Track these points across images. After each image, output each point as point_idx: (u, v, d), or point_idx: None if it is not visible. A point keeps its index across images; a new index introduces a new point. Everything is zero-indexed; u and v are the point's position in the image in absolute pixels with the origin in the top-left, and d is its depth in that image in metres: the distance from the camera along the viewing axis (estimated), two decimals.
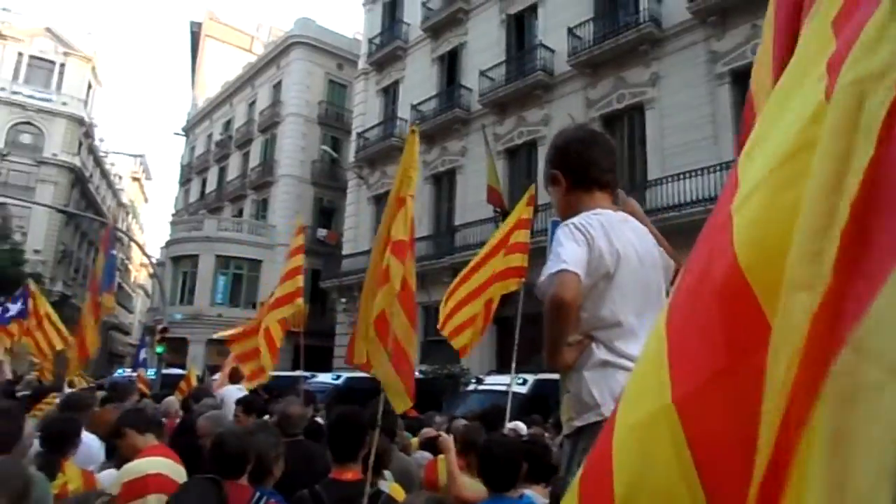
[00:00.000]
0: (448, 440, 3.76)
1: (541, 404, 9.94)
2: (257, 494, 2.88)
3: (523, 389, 12.57)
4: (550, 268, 1.81)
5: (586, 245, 1.88)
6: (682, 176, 15.73)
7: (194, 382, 10.89)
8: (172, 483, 2.52)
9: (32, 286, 10.60)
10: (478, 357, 21.06)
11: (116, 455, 3.89)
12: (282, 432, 4.14)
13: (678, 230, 15.80)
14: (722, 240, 0.78)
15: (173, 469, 2.89)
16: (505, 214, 20.29)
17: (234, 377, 8.83)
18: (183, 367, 24.41)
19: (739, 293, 0.73)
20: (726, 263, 0.76)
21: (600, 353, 1.86)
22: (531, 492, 2.99)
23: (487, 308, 6.48)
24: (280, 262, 32.67)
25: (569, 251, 1.84)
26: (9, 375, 6.51)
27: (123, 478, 2.94)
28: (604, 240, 1.91)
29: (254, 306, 32.41)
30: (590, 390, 1.83)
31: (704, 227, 0.88)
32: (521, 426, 6.96)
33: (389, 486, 3.20)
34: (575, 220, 1.97)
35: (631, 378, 1.00)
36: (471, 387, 13.96)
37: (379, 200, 27.82)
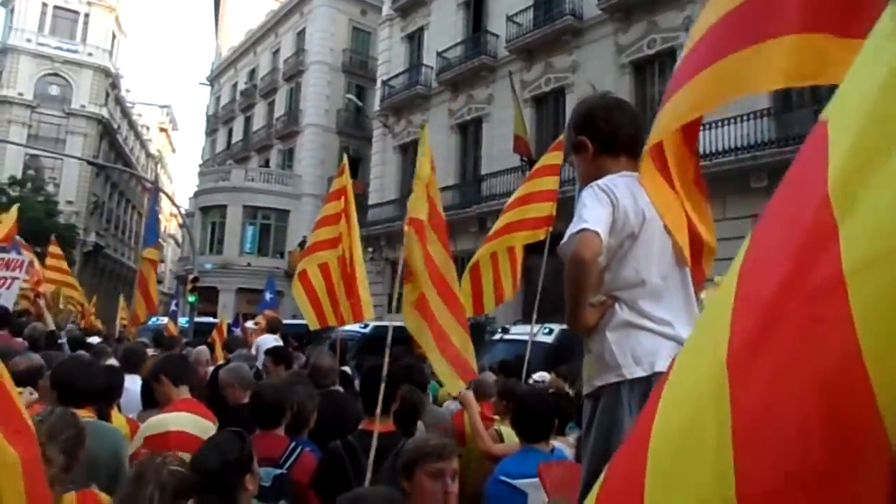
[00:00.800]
0: (468, 395, 3.80)
1: (568, 354, 9.97)
2: (293, 444, 2.97)
3: (549, 339, 12.64)
4: (572, 228, 1.79)
5: (610, 205, 1.85)
6: (716, 124, 15.36)
7: (226, 332, 11.09)
8: (196, 440, 2.56)
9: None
10: (503, 306, 21.18)
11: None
12: (313, 383, 4.25)
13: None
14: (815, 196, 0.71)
15: (199, 425, 2.92)
16: (532, 163, 20.06)
17: (273, 327, 8.98)
18: (214, 315, 24.97)
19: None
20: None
21: (623, 313, 1.84)
22: (560, 444, 3.04)
23: (513, 258, 6.40)
24: (307, 212, 33.04)
25: (591, 211, 1.81)
26: (52, 326, 6.69)
27: (146, 432, 2.98)
28: (629, 199, 1.88)
29: (282, 255, 32.86)
30: (612, 350, 1.81)
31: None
32: (546, 376, 7.02)
33: None
34: (599, 181, 1.94)
35: (689, 337, 0.94)
36: (497, 336, 14.05)
37: (405, 149, 27.69)
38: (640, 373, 1.77)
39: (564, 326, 12.36)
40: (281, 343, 8.41)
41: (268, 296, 17.46)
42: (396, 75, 27.85)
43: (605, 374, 1.81)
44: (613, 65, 18.88)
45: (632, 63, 18.46)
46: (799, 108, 14.51)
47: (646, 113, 18.29)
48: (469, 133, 24.60)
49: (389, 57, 29.08)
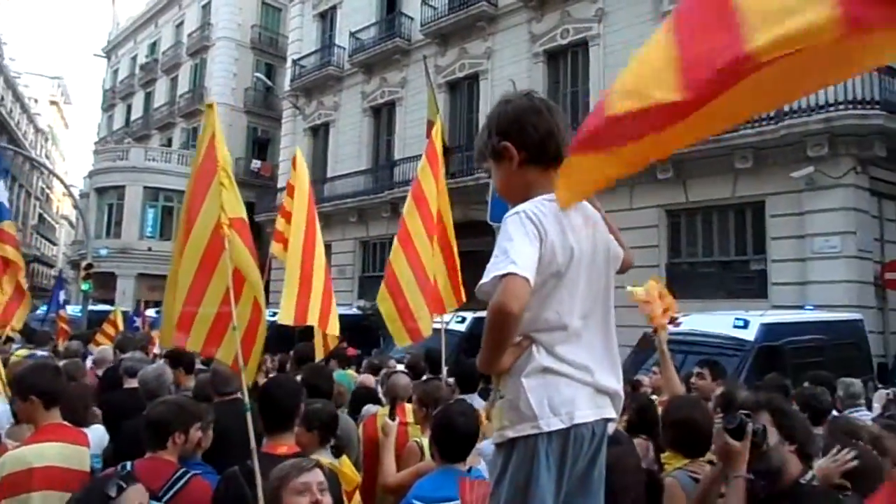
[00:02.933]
0: (391, 427, 3.61)
1: (478, 343, 9.87)
2: (180, 470, 2.67)
3: (461, 328, 12.58)
4: (498, 267, 1.58)
5: (538, 240, 1.65)
6: None
7: (121, 326, 10.29)
8: (65, 475, 2.21)
9: None
10: None
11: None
12: (214, 391, 3.92)
13: None
14: None
15: (68, 455, 2.56)
16: (445, 150, 19.96)
17: None
18: (112, 302, 23.57)
19: None
20: None
21: (541, 357, 1.68)
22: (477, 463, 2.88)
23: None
24: None
25: (519, 249, 1.60)
26: None
27: (4, 469, 2.59)
28: (557, 234, 1.69)
29: None
30: (528, 399, 1.65)
31: None
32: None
33: (341, 461, 3.02)
34: (527, 208, 1.71)
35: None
36: None
37: (316, 132, 26.95)
38: (558, 425, 1.63)
39: (477, 315, 12.35)
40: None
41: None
42: (308, 55, 27.01)
43: (520, 425, 1.65)
44: (527, 53, 18.95)
45: (545, 52, 18.58)
46: None
47: (559, 102, 18.50)
48: (382, 117, 24.19)
49: (301, 35, 28.16)
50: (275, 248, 5.81)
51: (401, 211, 22.20)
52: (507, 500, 1.64)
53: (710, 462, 2.93)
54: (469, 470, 2.70)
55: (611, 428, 1.80)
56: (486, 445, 3.92)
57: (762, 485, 2.20)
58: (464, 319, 12.79)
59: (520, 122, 1.84)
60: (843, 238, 12.75)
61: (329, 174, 25.22)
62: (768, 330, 9.42)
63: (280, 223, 5.75)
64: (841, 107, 12.29)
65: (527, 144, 1.82)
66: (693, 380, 5.25)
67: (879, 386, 10.09)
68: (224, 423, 3.46)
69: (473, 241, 16.86)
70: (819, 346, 10.21)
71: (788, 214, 13.45)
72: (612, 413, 1.76)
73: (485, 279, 1.62)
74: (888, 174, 13.46)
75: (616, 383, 1.77)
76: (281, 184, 25.96)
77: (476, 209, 16.31)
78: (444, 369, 7.78)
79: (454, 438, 2.68)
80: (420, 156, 22.11)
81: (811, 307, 11.83)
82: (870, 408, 6.22)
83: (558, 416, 1.64)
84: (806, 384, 4.76)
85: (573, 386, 1.68)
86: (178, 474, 2.63)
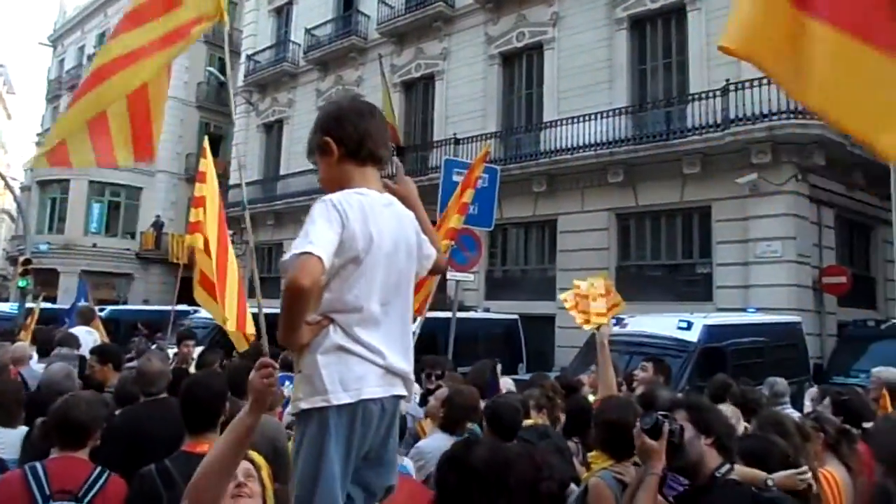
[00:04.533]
0: None
1: (436, 345, 9.82)
2: (97, 470, 2.56)
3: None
4: (297, 246, 1.73)
5: (340, 225, 1.81)
6: (577, 119, 15.85)
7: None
8: None
9: None
10: None
11: None
12: (141, 391, 3.79)
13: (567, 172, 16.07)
14: None
15: None
16: (399, 150, 19.90)
17: (86, 317, 7.99)
18: (55, 300, 22.76)
19: None
20: None
21: (336, 336, 1.81)
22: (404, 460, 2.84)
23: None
24: (161, 190, 30.91)
25: (319, 232, 1.76)
26: None
27: None
28: (360, 222, 1.85)
29: (133, 236, 30.60)
30: (321, 374, 1.79)
31: None
32: None
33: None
34: (334, 197, 1.88)
35: None
36: None
37: (269, 128, 26.57)
38: (347, 399, 1.78)
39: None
40: (94, 333, 7.57)
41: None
42: (262, 50, 26.63)
43: (312, 398, 1.79)
44: (483, 55, 19.01)
45: (501, 54, 18.68)
46: (653, 107, 15.28)
47: (513, 105, 18.62)
48: None
49: (255, 30, 27.74)
50: (191, 239, 5.54)
51: None
52: (301, 471, 1.76)
53: (636, 464, 2.96)
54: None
55: (403, 406, 2.02)
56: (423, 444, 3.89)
57: (682, 484, 2.24)
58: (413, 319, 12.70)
59: (341, 122, 2.02)
60: (783, 243, 13.13)
61: (282, 171, 24.88)
62: (711, 332, 9.62)
63: (196, 213, 5.48)
64: (783, 116, 12.65)
65: (346, 141, 2.00)
66: (636, 372, 5.35)
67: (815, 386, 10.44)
68: (149, 425, 3.35)
69: None
70: (759, 348, 10.49)
71: (733, 219, 13.79)
72: (402, 391, 1.92)
73: (285, 256, 1.75)
74: (826, 182, 13.94)
75: (407, 367, 1.92)
76: (234, 180, 25.50)
77: (427, 209, 16.30)
78: None
79: None
80: None
81: (753, 310, 12.15)
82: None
83: (348, 391, 1.78)
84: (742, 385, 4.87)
85: (365, 365, 1.82)
86: (95, 474, 2.53)
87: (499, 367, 5.99)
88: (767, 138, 12.93)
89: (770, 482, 2.45)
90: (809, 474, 2.64)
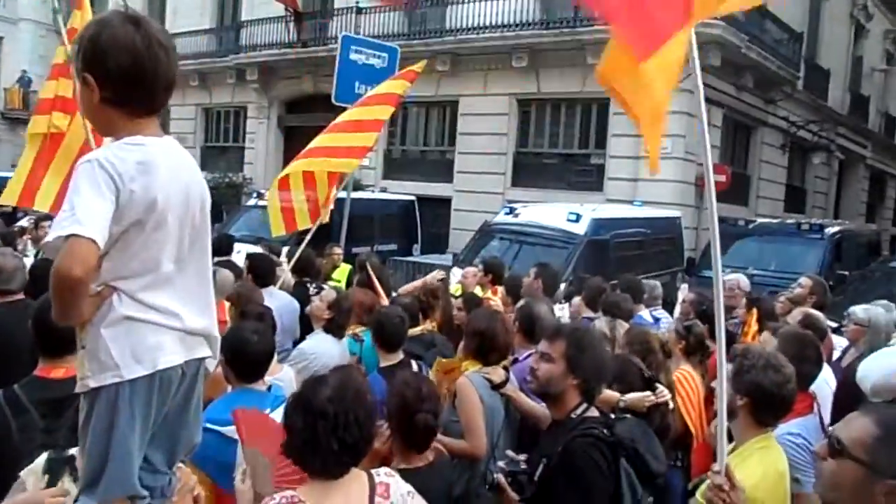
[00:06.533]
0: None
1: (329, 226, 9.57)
2: None
3: None
4: (62, 225, 1.47)
5: (112, 190, 1.54)
6: None
7: None
8: None
9: None
10: (263, 164, 20.16)
11: None
12: None
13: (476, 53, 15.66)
14: None
15: None
16: (297, 16, 18.57)
17: None
18: None
19: None
20: None
21: (122, 307, 1.62)
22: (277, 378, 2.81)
23: (331, 182, 5.79)
24: (26, 41, 27.67)
25: (87, 205, 1.49)
26: None
27: None
28: (139, 182, 1.58)
29: None
30: (108, 348, 1.61)
31: None
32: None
33: None
34: (102, 155, 1.58)
35: None
36: (252, 201, 13.21)
37: None
38: (141, 371, 1.63)
39: None
40: None
41: None
42: None
43: (102, 375, 1.61)
44: None
45: None
46: None
47: None
48: None
49: None
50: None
51: (248, 78, 20.85)
52: (91, 444, 1.65)
53: (505, 368, 3.13)
54: (269, 388, 2.62)
55: (209, 364, 1.92)
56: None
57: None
58: None
59: (103, 56, 1.61)
60: (673, 140, 13.58)
61: (167, 29, 22.77)
62: (598, 224, 10.01)
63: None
64: None
65: (108, 84, 1.62)
66: (524, 279, 5.52)
67: (686, 278, 11.25)
68: (7, 331, 3.13)
69: (314, 116, 16.18)
70: (641, 241, 11.08)
71: None
72: (205, 352, 1.79)
73: (50, 236, 1.54)
74: (718, 82, 14.33)
75: (210, 325, 1.79)
76: None
77: (325, 81, 15.55)
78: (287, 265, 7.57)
79: (247, 360, 2.58)
80: (271, 19, 20.53)
81: (640, 203, 12.70)
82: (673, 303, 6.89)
83: (141, 363, 1.63)
84: (616, 291, 5.11)
85: (159, 332, 1.67)
86: None
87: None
88: None
89: (622, 403, 2.66)
90: (666, 393, 2.86)
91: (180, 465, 1.90)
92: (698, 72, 2.15)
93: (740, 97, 15.42)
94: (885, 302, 4.68)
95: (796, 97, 17.85)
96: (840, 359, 4.48)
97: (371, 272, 5.08)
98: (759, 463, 2.23)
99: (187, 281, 1.73)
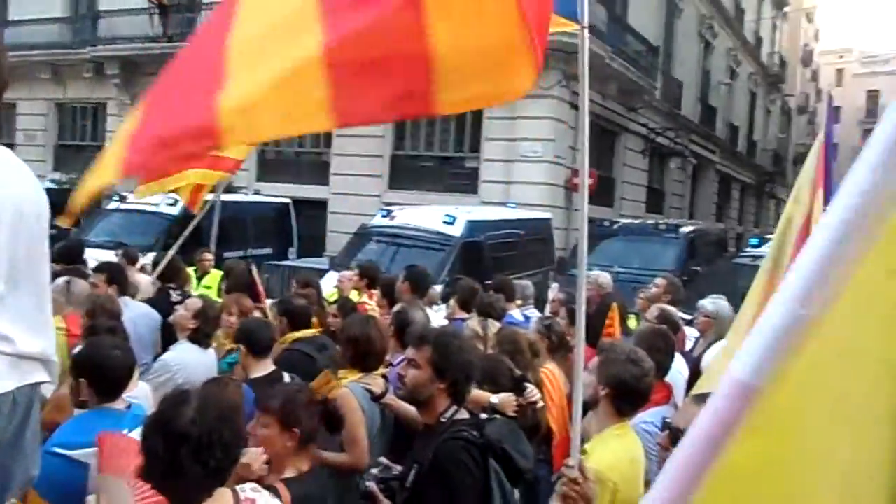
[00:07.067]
0: None
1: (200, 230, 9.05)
2: None
3: (174, 210, 11.44)
4: None
5: None
6: None
7: None
8: None
9: None
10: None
11: None
12: None
13: None
14: None
15: None
16: (163, 9, 17.61)
17: None
18: None
19: None
20: None
21: None
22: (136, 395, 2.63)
23: None
24: None
25: None
26: None
27: None
28: None
29: None
30: None
31: None
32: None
33: None
34: None
35: None
36: (113, 204, 12.26)
37: None
38: None
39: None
40: None
41: None
42: None
43: None
44: None
45: None
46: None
47: None
48: None
49: None
50: None
51: (107, 72, 19.39)
52: None
53: (384, 377, 3.12)
54: (129, 407, 2.44)
55: (44, 390, 1.80)
56: None
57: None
58: (175, 202, 11.63)
59: None
60: (544, 144, 14.15)
61: (12, 16, 20.90)
62: (473, 226, 10.23)
63: None
64: None
65: None
66: (398, 285, 5.47)
67: (557, 277, 11.72)
68: None
69: None
70: (514, 242, 11.43)
71: (503, 118, 14.46)
72: (41, 377, 1.67)
73: None
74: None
75: (47, 347, 1.68)
76: None
77: None
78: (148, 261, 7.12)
79: (110, 377, 2.39)
80: (132, 10, 19.22)
81: (514, 205, 13.11)
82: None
83: None
84: (490, 291, 5.22)
85: None
86: None
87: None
88: None
89: (495, 401, 2.73)
90: (535, 392, 2.97)
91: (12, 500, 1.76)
92: (586, 89, 2.20)
93: (605, 104, 16.30)
94: (720, 296, 5.09)
95: (655, 106, 19.14)
96: (692, 349, 4.84)
97: (256, 277, 4.96)
98: (615, 449, 2.37)
99: (20, 301, 1.58)
